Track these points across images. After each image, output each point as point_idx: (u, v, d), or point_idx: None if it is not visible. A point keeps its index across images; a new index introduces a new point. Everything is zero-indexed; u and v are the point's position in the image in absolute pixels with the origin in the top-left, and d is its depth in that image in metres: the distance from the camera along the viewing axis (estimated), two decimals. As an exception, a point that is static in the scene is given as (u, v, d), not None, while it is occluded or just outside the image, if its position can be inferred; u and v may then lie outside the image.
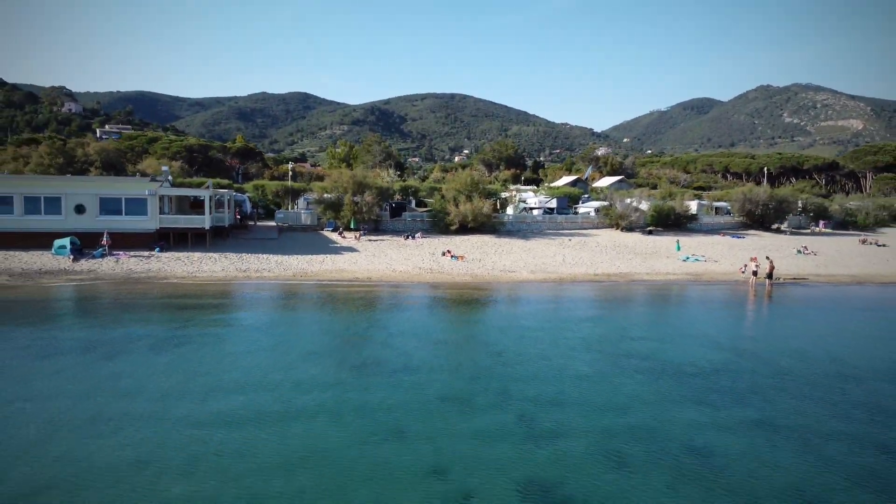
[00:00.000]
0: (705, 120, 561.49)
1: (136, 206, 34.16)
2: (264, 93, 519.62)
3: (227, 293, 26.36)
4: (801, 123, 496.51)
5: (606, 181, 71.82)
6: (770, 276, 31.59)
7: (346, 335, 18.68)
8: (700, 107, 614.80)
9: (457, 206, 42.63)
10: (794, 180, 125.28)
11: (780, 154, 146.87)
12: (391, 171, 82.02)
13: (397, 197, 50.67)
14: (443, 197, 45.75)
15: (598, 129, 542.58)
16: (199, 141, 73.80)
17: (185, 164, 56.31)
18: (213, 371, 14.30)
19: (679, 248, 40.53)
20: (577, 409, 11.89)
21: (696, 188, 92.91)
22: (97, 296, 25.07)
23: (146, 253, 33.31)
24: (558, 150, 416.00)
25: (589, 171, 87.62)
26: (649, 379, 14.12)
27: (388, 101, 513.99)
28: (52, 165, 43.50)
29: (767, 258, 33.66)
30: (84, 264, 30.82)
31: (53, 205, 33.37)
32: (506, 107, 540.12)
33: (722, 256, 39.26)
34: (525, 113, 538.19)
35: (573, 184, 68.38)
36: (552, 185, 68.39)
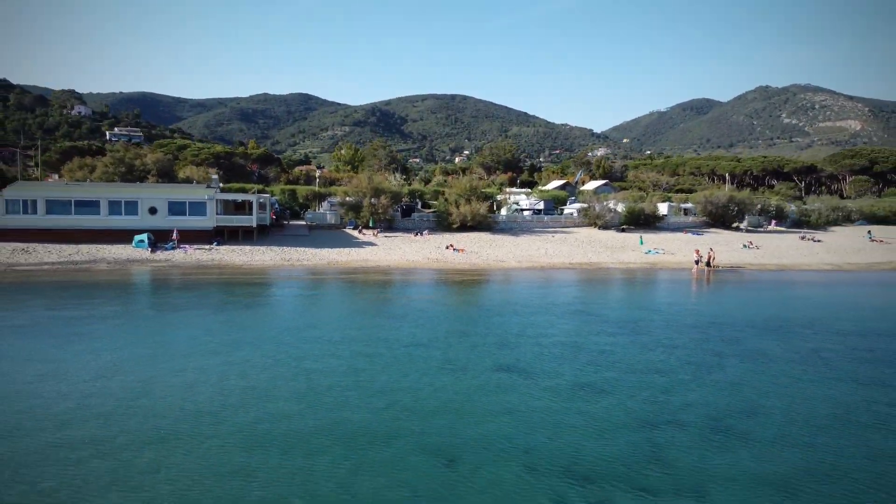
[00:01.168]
0: (704, 121, 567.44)
1: (198, 208, 42.04)
2: (266, 94, 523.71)
3: (280, 275, 34.25)
4: (800, 124, 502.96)
5: (593, 185, 79.64)
6: (708, 264, 39.52)
7: (377, 300, 26.59)
8: (699, 107, 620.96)
9: (458, 207, 50.57)
10: (776, 182, 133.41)
11: (764, 157, 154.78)
12: (398, 175, 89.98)
13: (405, 199, 58.49)
14: (446, 200, 53.66)
15: (597, 130, 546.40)
16: (225, 148, 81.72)
17: (218, 170, 64.23)
18: (299, 314, 22.21)
19: (642, 243, 48.42)
20: (529, 337, 19.76)
21: (678, 190, 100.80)
22: (182, 277, 32.94)
23: (207, 246, 41.18)
24: (558, 151, 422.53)
25: (579, 175, 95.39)
26: (579, 319, 22.01)
27: (388, 102, 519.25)
28: (115, 174, 51.37)
29: (710, 250, 41.60)
30: (160, 255, 38.68)
31: (132, 207, 41.25)
32: (506, 107, 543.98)
33: (678, 250, 47.08)
34: (525, 114, 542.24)
35: (562, 187, 76.25)
36: (543, 188, 76.20)
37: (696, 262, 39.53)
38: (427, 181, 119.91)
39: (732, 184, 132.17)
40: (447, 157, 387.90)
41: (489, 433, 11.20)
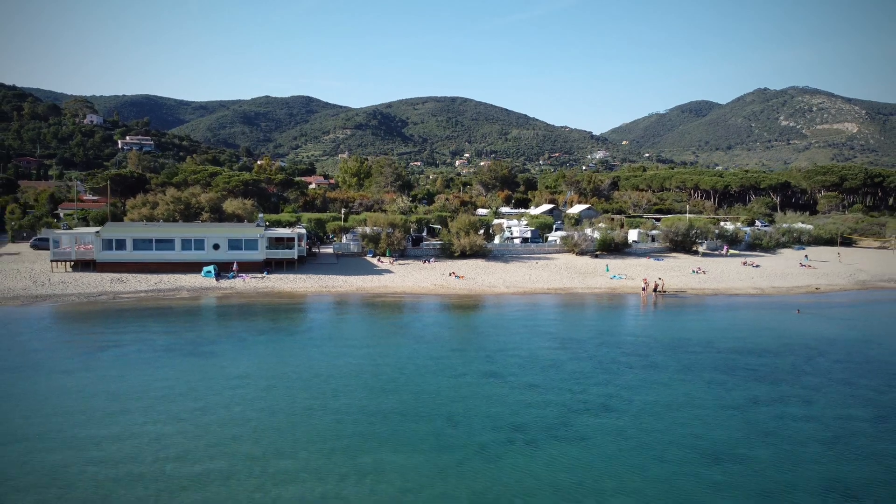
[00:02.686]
0: (703, 123, 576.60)
1: (251, 244, 52.73)
2: (267, 96, 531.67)
3: (322, 300, 44.90)
4: (798, 126, 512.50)
5: (578, 208, 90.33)
6: (655, 289, 50.15)
7: (399, 323, 37.33)
8: (698, 109, 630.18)
9: (459, 239, 61.40)
10: (753, 196, 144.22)
11: (745, 171, 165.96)
12: (405, 197, 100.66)
13: (414, 228, 69.24)
14: (449, 231, 64.51)
15: (596, 132, 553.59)
16: (251, 176, 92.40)
17: (253, 199, 75.05)
18: (345, 327, 32.96)
19: (608, 270, 58.99)
20: (505, 352, 30.43)
21: (657, 210, 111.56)
22: (250, 301, 43.49)
23: (259, 275, 51.80)
24: (557, 154, 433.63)
25: (569, 195, 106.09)
26: (541, 338, 32.69)
27: (389, 105, 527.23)
28: (175, 210, 61.99)
29: (659, 279, 52.16)
30: (225, 283, 49.27)
31: (199, 244, 51.91)
32: (506, 110, 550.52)
33: (639, 275, 57.52)
34: (525, 116, 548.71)
35: (550, 212, 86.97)
36: (533, 213, 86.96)
37: (643, 289, 50.13)
38: (431, 195, 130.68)
39: (713, 199, 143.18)
40: (448, 161, 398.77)
41: (474, 409, 21.87)
